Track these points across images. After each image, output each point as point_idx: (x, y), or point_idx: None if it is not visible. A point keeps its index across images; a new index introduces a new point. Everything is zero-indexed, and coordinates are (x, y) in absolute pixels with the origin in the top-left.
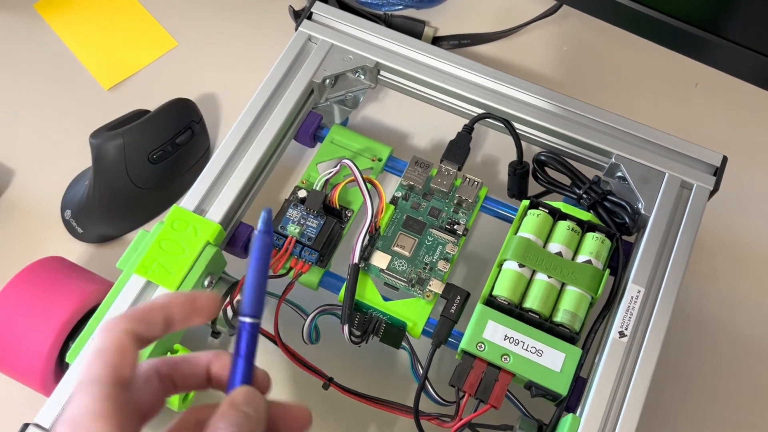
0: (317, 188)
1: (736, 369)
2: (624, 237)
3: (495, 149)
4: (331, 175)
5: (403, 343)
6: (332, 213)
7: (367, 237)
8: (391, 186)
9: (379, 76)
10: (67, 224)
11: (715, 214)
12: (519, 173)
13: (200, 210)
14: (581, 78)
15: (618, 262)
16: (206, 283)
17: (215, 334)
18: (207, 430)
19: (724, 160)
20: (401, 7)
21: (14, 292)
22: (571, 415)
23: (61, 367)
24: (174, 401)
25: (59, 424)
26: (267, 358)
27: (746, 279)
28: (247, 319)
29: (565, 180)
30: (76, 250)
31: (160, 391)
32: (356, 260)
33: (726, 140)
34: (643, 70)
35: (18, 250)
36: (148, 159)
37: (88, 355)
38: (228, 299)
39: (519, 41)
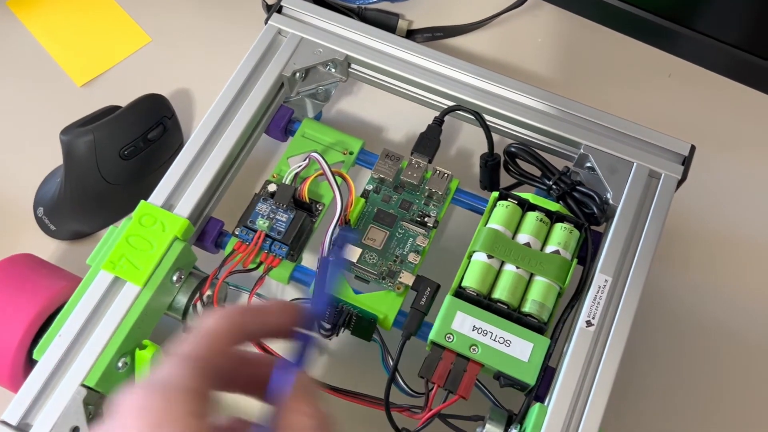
0: (287, 182)
1: (706, 356)
2: (594, 227)
3: (469, 142)
4: (300, 168)
5: (374, 336)
6: (302, 207)
7: (337, 230)
8: (363, 179)
9: (350, 70)
10: (39, 222)
11: (689, 202)
12: (490, 165)
13: (168, 205)
14: (555, 69)
15: (587, 252)
16: (175, 278)
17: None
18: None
19: (692, 149)
20: (375, 0)
21: None
22: (538, 404)
23: (29, 363)
24: None
25: (148, 390)
26: None
27: (719, 266)
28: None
29: (536, 171)
30: (49, 248)
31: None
32: (326, 254)
33: (701, 129)
34: (617, 61)
35: None
36: (119, 155)
37: (196, 333)
38: (198, 294)
39: (493, 33)
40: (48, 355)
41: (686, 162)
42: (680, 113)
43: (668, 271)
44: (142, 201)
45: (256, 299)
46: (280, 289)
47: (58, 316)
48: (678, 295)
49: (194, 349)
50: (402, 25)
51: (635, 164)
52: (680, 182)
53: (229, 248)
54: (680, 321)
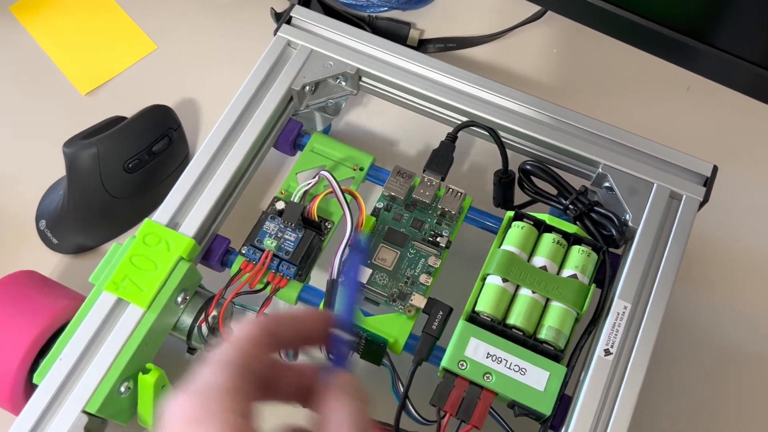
0: (295, 200)
1: (727, 380)
2: (612, 249)
3: (482, 157)
4: (309, 186)
5: (384, 360)
6: (311, 225)
7: (347, 251)
8: (374, 196)
9: (360, 83)
10: (42, 234)
11: (707, 222)
12: (504, 182)
13: (173, 224)
14: (571, 82)
15: (605, 275)
16: (180, 299)
17: (191, 350)
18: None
19: (715, 169)
20: (386, 8)
21: None
22: None
23: (30, 385)
24: (147, 419)
25: (188, 393)
26: None
27: (738, 288)
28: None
29: (552, 190)
30: (51, 261)
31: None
32: (334, 275)
33: (720, 145)
34: (635, 75)
35: None
36: (123, 168)
37: (229, 341)
38: (203, 315)
39: (507, 44)
40: (48, 379)
41: (708, 183)
42: (700, 130)
43: (688, 292)
44: (147, 220)
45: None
46: (288, 309)
47: (60, 339)
48: (697, 318)
49: (229, 355)
50: (413, 34)
51: (655, 185)
52: (702, 204)
53: (235, 267)
54: (700, 344)
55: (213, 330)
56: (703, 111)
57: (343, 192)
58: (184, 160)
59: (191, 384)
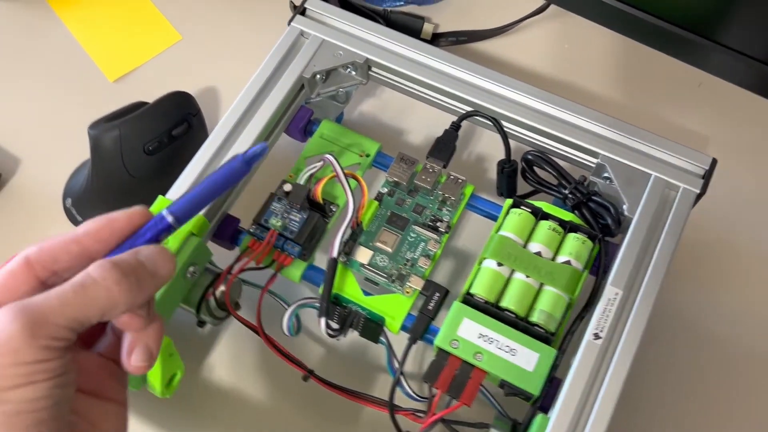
0: (301, 182)
1: (719, 371)
2: (609, 238)
3: (487, 147)
4: (315, 169)
5: (381, 338)
6: (316, 207)
7: (349, 232)
8: (379, 182)
9: (370, 73)
10: (68, 212)
11: (706, 217)
12: (507, 172)
13: None
14: (580, 75)
15: (600, 263)
16: (189, 274)
17: (200, 323)
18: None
19: (714, 162)
20: (402, 3)
21: None
22: (540, 415)
23: None
24: (156, 385)
25: None
26: (249, 347)
27: (735, 282)
28: (170, 218)
29: (553, 180)
30: None
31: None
32: (335, 254)
33: (729, 141)
34: (647, 69)
35: (22, 237)
36: (143, 150)
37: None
38: (211, 289)
39: (517, 38)
40: None
41: (706, 175)
42: (712, 123)
43: (682, 284)
44: (160, 196)
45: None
46: (292, 287)
47: None
48: (691, 309)
49: None
50: (427, 28)
51: (653, 176)
52: (699, 196)
53: (244, 245)
54: (693, 335)
55: (220, 304)
56: (717, 106)
57: (347, 176)
58: None
59: None
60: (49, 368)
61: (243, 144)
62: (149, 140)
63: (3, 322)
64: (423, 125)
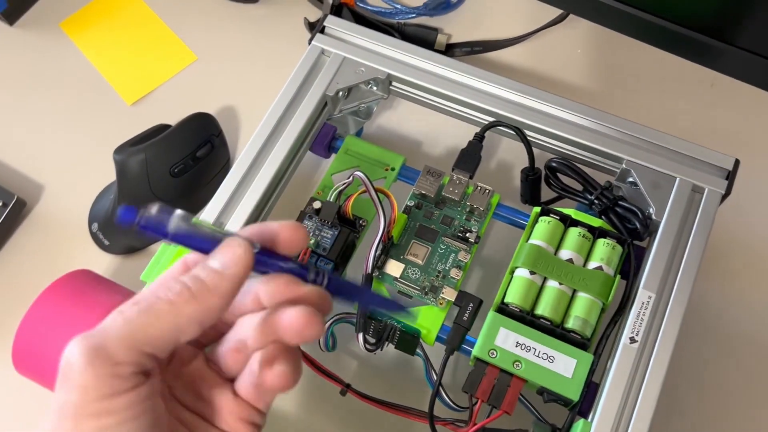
0: (331, 199)
1: (755, 372)
2: (636, 242)
3: (509, 155)
4: (344, 186)
5: (418, 350)
6: (346, 223)
7: (380, 247)
8: (404, 194)
9: (391, 87)
10: (94, 237)
11: (730, 215)
12: (531, 179)
13: (219, 222)
14: (596, 82)
15: (630, 267)
16: None
17: None
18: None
19: (737, 163)
20: (414, 15)
21: (45, 304)
22: (582, 420)
23: None
24: None
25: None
26: None
27: (762, 280)
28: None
29: (578, 186)
30: (103, 262)
31: None
32: (369, 270)
33: (745, 140)
34: (658, 72)
35: (49, 263)
36: (169, 173)
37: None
38: None
39: (532, 46)
40: None
41: (730, 176)
42: (723, 125)
43: (709, 284)
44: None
45: None
46: None
47: None
48: (718, 309)
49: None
50: (441, 39)
51: (678, 179)
52: (724, 197)
53: None
54: (724, 335)
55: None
56: (729, 106)
57: (376, 191)
58: (226, 164)
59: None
60: (118, 405)
61: (274, 162)
62: (175, 163)
63: (68, 352)
64: (442, 136)
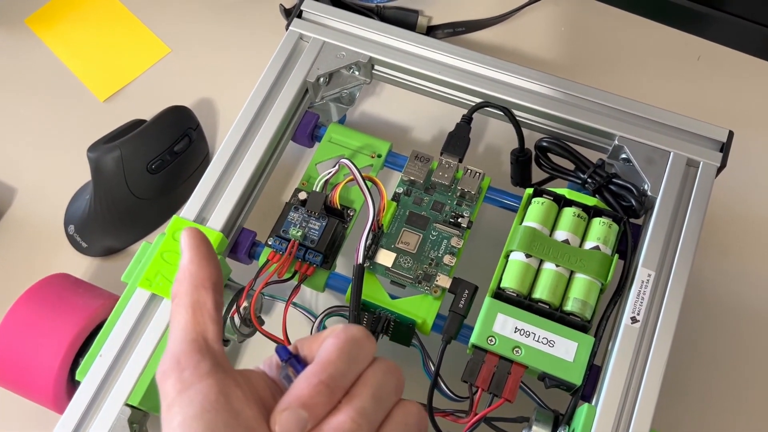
0: (317, 189)
1: (757, 345)
2: (632, 220)
3: (497, 137)
4: (330, 175)
5: (414, 341)
6: (334, 213)
7: (371, 236)
8: (392, 182)
9: (373, 71)
10: (71, 239)
11: (724, 187)
12: (521, 161)
13: (201, 219)
14: (581, 59)
15: (627, 245)
16: None
17: (225, 342)
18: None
19: (731, 135)
20: None
21: (22, 311)
22: (587, 404)
23: (72, 384)
24: None
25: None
26: None
27: (759, 252)
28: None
29: (569, 165)
30: (82, 265)
31: None
32: (360, 260)
33: (734, 112)
34: (644, 47)
35: (24, 268)
36: (146, 169)
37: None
38: (234, 307)
39: (515, 25)
40: (90, 375)
41: (725, 148)
42: (713, 97)
43: (708, 258)
44: (175, 216)
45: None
46: (315, 297)
47: (98, 336)
48: (716, 284)
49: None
50: (422, 21)
51: (672, 153)
52: (719, 169)
53: (263, 259)
54: (722, 310)
55: (245, 320)
56: (716, 78)
57: (364, 178)
58: (205, 158)
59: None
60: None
61: (254, 154)
62: (152, 159)
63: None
64: (428, 120)
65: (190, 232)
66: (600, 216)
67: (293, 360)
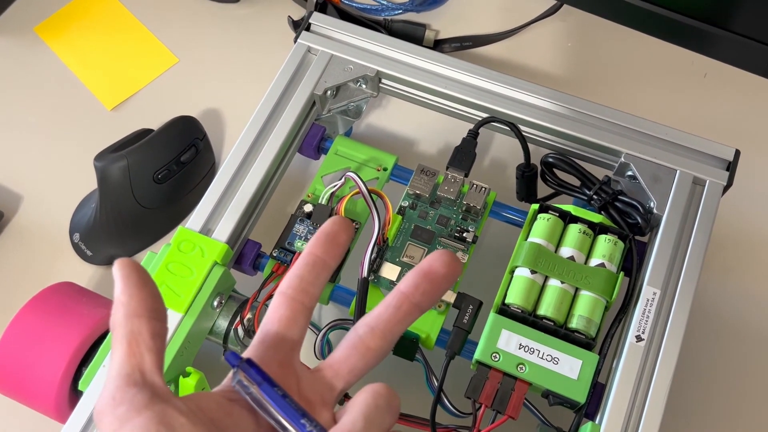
0: (323, 202)
1: (762, 365)
2: (638, 237)
3: (503, 152)
4: (336, 188)
5: (417, 356)
6: None
7: (376, 249)
8: (398, 195)
9: (380, 85)
10: (76, 247)
11: (730, 206)
12: (527, 176)
13: (206, 230)
14: (588, 75)
15: (632, 263)
16: (215, 303)
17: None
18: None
19: (737, 154)
20: (401, 11)
21: (25, 319)
22: (590, 423)
23: (75, 393)
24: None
25: None
26: None
27: (763, 271)
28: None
29: (575, 181)
30: (86, 273)
31: None
32: (365, 274)
33: (739, 130)
34: (650, 64)
35: (29, 276)
36: (153, 179)
37: None
38: (238, 318)
39: (522, 40)
40: (93, 386)
41: (731, 167)
42: (718, 115)
43: (713, 277)
44: (180, 227)
45: None
46: (320, 309)
47: (102, 346)
48: (721, 303)
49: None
50: (429, 35)
51: (678, 171)
52: (726, 188)
53: (267, 270)
54: (724, 329)
55: (249, 332)
56: (721, 97)
57: (369, 192)
58: (211, 168)
59: None
60: None
61: (261, 166)
62: (158, 168)
63: None
64: (434, 134)
65: (120, 263)
66: (606, 233)
67: (244, 365)
